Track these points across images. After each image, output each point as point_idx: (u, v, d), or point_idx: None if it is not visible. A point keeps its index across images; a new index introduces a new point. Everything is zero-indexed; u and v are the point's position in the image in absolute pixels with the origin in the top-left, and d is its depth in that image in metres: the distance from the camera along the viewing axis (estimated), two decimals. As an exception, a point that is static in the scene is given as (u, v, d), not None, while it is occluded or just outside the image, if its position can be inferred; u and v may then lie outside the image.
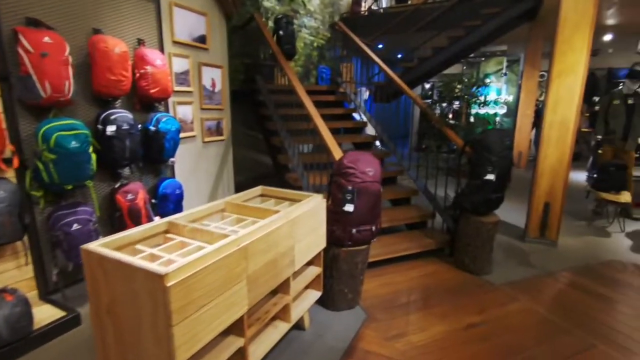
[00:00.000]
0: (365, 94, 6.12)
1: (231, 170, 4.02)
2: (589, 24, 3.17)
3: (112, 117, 2.43)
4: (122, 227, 2.48)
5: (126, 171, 2.71)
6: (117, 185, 2.62)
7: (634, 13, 6.56)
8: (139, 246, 1.49)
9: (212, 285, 1.32)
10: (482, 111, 6.93)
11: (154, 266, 1.18)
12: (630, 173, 4.50)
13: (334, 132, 5.14)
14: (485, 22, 5.99)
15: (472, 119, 7.02)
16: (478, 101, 6.21)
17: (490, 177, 2.72)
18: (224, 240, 1.41)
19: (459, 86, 6.58)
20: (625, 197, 4.08)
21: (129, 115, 2.53)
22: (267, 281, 1.66)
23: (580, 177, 6.75)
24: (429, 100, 6.37)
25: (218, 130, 3.71)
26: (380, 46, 9.69)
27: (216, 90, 3.62)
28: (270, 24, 5.32)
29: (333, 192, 2.33)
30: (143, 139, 2.74)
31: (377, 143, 4.53)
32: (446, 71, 7.14)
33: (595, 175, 4.42)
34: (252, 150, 5.19)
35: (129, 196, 2.57)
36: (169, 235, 1.63)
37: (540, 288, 2.86)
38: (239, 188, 4.06)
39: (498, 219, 2.97)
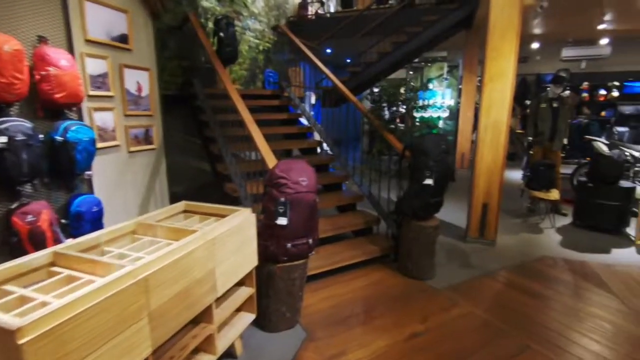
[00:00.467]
0: (312, 98, 6.04)
1: (165, 182, 3.70)
2: (515, 32, 3.30)
3: (2, 126, 2.07)
4: (22, 254, 2.12)
5: (28, 188, 2.34)
6: (13, 206, 2.25)
7: (555, 23, 7.13)
8: (8, 286, 1.22)
9: (98, 330, 1.09)
10: (427, 115, 7.14)
11: (2, 318, 0.93)
12: (558, 172, 4.81)
13: (278, 138, 5.05)
14: (426, 29, 6.17)
15: (417, 123, 7.22)
16: (417, 105, 6.40)
17: (429, 181, 2.71)
18: (116, 273, 1.19)
19: (402, 90, 6.74)
20: (554, 194, 4.34)
21: (26, 124, 2.18)
22: (180, 314, 1.45)
23: (516, 175, 7.19)
24: (377, 105, 6.44)
25: (147, 139, 3.39)
26: (328, 51, 9.73)
27: (143, 94, 3.31)
28: (211, 25, 5.05)
29: (266, 205, 2.17)
30: (48, 151, 2.39)
31: (326, 147, 4.43)
32: (393, 76, 7.30)
33: (528, 174, 4.66)
34: (193, 158, 4.86)
35: (29, 218, 2.20)
36: (54, 269, 1.37)
37: (480, 289, 2.90)
38: (177, 200, 3.75)
39: (438, 223, 2.97)
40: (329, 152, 4.21)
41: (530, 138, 4.95)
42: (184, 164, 4.72)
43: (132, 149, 3.21)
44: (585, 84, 8.85)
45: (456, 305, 2.65)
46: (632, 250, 3.70)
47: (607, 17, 6.42)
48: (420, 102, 7.04)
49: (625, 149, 5.26)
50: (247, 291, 2.04)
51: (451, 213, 4.81)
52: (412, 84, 7.71)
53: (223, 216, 1.95)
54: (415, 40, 6.25)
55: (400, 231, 3.08)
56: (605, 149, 5.39)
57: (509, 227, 4.36)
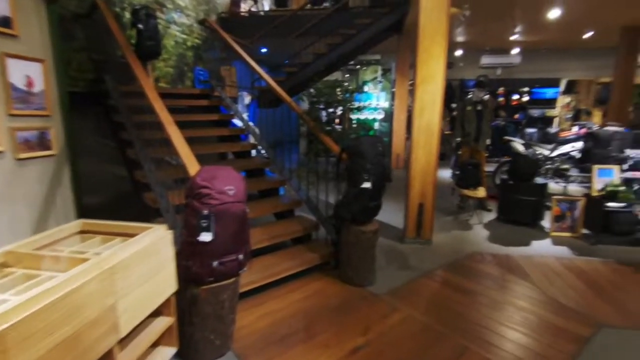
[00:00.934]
0: (247, 99, 5.74)
1: (69, 193, 3.16)
2: (444, 35, 3.40)
3: None
4: None
5: None
6: None
7: (475, 32, 7.70)
8: None
9: None
10: (363, 116, 7.24)
11: None
12: (483, 170, 5.13)
13: (212, 140, 4.69)
14: (360, 32, 6.24)
15: (354, 124, 7.28)
16: (352, 106, 6.47)
17: (367, 185, 2.63)
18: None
19: (338, 92, 6.74)
20: (481, 192, 4.60)
21: None
22: (62, 369, 1.13)
23: (446, 174, 7.62)
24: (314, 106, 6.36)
25: (43, 143, 2.85)
26: (264, 50, 9.45)
27: (35, 90, 2.77)
28: (128, 15, 4.52)
29: (187, 218, 1.88)
30: None
31: (261, 150, 4.19)
32: (329, 77, 7.28)
33: (457, 173, 4.89)
34: (109, 165, 4.28)
35: None
36: None
37: (418, 292, 2.89)
38: (89, 214, 3.22)
39: (377, 226, 2.91)
40: (264, 154, 3.98)
41: (459, 139, 5.22)
42: (99, 171, 4.14)
43: (22, 155, 2.67)
44: (501, 89, 9.75)
45: (396, 310, 2.60)
46: (547, 241, 4.03)
47: (518, 29, 7.07)
48: (357, 104, 7.10)
49: (537, 148, 5.81)
50: (164, 322, 1.74)
51: (389, 214, 4.87)
52: (348, 85, 7.77)
53: (132, 235, 1.64)
54: (349, 42, 6.29)
55: (340, 237, 2.97)
56: (521, 148, 5.89)
57: (443, 225, 4.52)
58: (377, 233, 2.90)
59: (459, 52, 9.22)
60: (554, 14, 5.55)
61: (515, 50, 9.25)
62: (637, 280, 3.14)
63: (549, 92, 9.61)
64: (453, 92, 9.90)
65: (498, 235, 4.20)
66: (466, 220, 4.76)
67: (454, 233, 4.27)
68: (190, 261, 1.86)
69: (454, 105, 9.77)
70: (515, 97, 9.71)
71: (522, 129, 9.64)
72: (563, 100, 9.93)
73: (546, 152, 5.65)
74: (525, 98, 9.66)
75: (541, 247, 3.86)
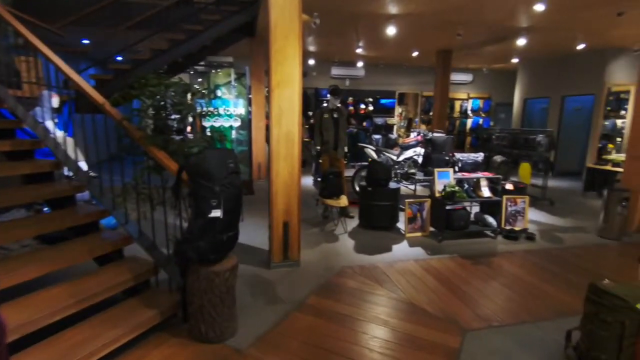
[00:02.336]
0: (55, 100, 4.28)
1: None
2: (297, 35, 3.08)
3: None
4: None
5: None
6: None
7: (325, 43, 7.96)
8: None
9: None
10: (218, 124, 6.51)
11: None
12: (344, 178, 5.15)
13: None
14: (207, 29, 5.53)
15: (208, 133, 6.48)
16: (207, 113, 5.78)
17: (216, 213, 2.02)
18: None
19: (189, 96, 5.88)
20: (344, 200, 4.54)
21: None
22: None
23: (307, 181, 7.59)
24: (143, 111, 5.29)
25: None
26: (86, 41, 7.61)
27: None
28: None
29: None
30: None
31: (66, 171, 3.03)
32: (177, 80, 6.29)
33: (319, 180, 4.73)
34: None
35: None
36: None
37: (290, 333, 2.44)
38: None
39: (235, 262, 2.33)
40: (72, 176, 2.87)
41: (318, 147, 5.10)
42: None
43: None
44: (350, 99, 10.50)
45: (266, 366, 2.08)
46: (405, 244, 4.21)
47: (361, 44, 7.60)
48: (209, 110, 6.35)
49: (386, 154, 6.25)
50: None
51: (252, 233, 4.34)
52: (200, 89, 6.91)
53: None
54: (195, 39, 5.51)
55: (187, 281, 2.26)
56: (374, 155, 6.24)
57: (310, 238, 4.25)
58: (235, 270, 2.31)
59: (311, 62, 9.45)
60: (390, 31, 6.07)
61: (360, 64, 10.08)
62: (476, 272, 3.47)
63: (388, 103, 10.85)
64: (308, 100, 10.10)
65: (363, 244, 4.17)
66: (332, 231, 4.63)
67: (322, 247, 4.04)
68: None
69: (310, 113, 9.99)
70: (362, 106, 10.60)
71: (370, 135, 10.58)
72: (398, 110, 11.41)
73: (394, 157, 6.13)
74: (371, 107, 10.65)
75: (401, 251, 3.98)
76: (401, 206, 4.79)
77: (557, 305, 2.86)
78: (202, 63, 7.20)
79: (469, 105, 11.53)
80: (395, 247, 4.10)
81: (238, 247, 3.77)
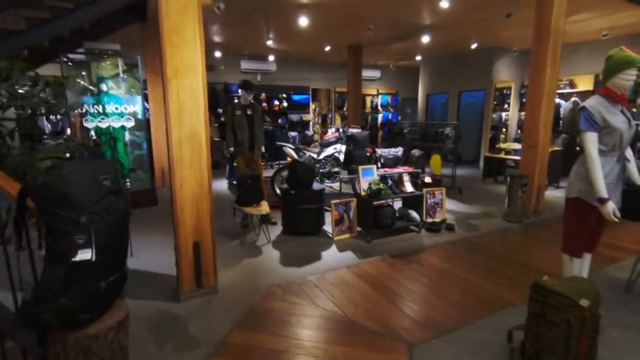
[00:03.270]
0: None
1: None
2: (196, 10, 2.49)
3: None
4: None
5: None
6: None
7: (232, 33, 7.28)
8: None
9: None
10: (105, 124, 5.40)
11: None
12: (263, 182, 4.66)
13: None
14: (80, 7, 4.45)
15: (93, 136, 5.34)
16: (89, 112, 4.75)
17: (85, 255, 1.39)
18: None
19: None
20: (265, 207, 4.06)
21: None
22: None
23: (221, 185, 6.88)
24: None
25: None
26: None
27: None
28: None
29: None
30: None
31: None
32: (44, 72, 4.97)
33: (234, 183, 4.15)
34: None
35: None
36: None
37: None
38: None
39: (125, 313, 1.70)
40: None
41: (232, 149, 4.52)
42: None
43: None
44: (263, 95, 9.93)
45: None
46: (334, 249, 3.93)
47: (271, 36, 7.13)
48: (92, 108, 5.24)
49: (306, 152, 5.93)
50: None
51: (156, 256, 3.60)
52: (79, 82, 5.69)
53: None
54: (64, 20, 4.39)
55: (49, 353, 1.56)
56: (294, 154, 5.86)
57: (229, 254, 3.69)
58: (125, 324, 1.68)
59: (218, 54, 8.64)
60: (301, 22, 5.73)
61: (271, 58, 9.58)
62: (409, 272, 3.35)
63: (301, 99, 10.59)
64: (218, 97, 9.26)
65: (290, 254, 3.77)
66: (253, 242, 4.12)
67: (244, 264, 3.51)
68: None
69: (220, 110, 9.16)
70: (276, 102, 10.14)
71: (285, 132, 10.19)
72: (312, 106, 11.25)
73: (314, 155, 5.84)
74: (285, 104, 10.25)
75: (331, 258, 3.68)
76: (327, 207, 4.50)
77: (488, 298, 2.85)
78: (79, 50, 5.90)
79: (379, 100, 11.94)
80: (324, 254, 3.78)
81: (137, 277, 3.06)
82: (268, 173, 6.00)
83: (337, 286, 3.06)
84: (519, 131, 9.47)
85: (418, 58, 9.72)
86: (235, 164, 4.57)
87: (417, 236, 4.34)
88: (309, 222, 4.28)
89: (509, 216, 4.91)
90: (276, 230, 4.50)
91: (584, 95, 7.62)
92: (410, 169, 4.62)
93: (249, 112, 4.47)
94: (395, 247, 3.95)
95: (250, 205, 3.99)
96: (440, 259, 3.64)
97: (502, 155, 7.24)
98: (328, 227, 4.43)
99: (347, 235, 4.25)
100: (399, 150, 4.75)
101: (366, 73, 10.58)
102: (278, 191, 5.36)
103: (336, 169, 4.71)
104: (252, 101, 4.59)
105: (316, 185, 4.42)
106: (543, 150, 4.90)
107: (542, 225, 4.76)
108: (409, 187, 4.44)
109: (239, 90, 4.56)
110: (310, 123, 11.00)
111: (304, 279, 3.17)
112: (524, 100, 9.26)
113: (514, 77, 9.30)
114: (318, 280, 3.17)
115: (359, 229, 4.35)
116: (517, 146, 7.46)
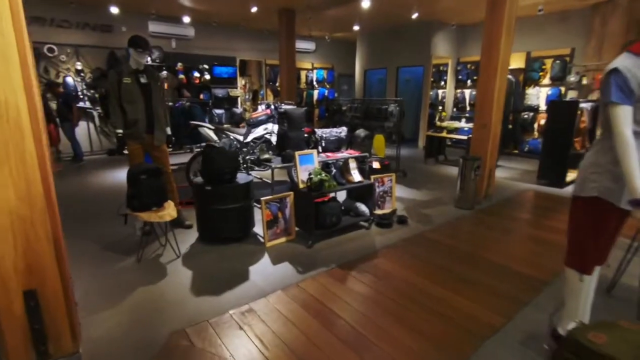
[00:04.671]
0: None
1: None
2: None
3: None
4: None
5: None
6: None
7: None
8: None
9: None
10: None
11: None
12: (170, 175, 3.55)
13: None
14: None
15: None
16: None
17: None
18: None
19: None
20: (171, 211, 2.98)
21: None
22: None
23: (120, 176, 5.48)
24: None
25: None
26: None
27: None
28: None
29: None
30: None
31: None
32: None
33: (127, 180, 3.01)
34: None
35: None
36: None
37: None
38: None
39: None
40: None
41: (120, 131, 3.29)
42: None
43: None
44: (179, 65, 8.38)
45: None
46: (267, 259, 3.05)
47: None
48: None
49: (230, 134, 4.85)
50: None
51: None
52: None
53: None
54: None
55: None
56: (213, 136, 4.75)
57: (115, 283, 2.60)
58: None
59: (115, 10, 6.89)
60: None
61: (187, 19, 8.03)
62: (363, 291, 2.63)
63: (228, 71, 9.23)
64: (119, 64, 7.53)
65: (206, 274, 2.80)
66: (157, 258, 3.06)
67: (137, 298, 2.46)
68: None
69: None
70: (197, 74, 8.65)
71: (209, 110, 8.83)
72: (241, 81, 9.94)
73: (240, 138, 4.79)
74: (207, 76, 8.81)
75: (263, 275, 2.79)
76: (256, 204, 3.58)
77: (467, 323, 2.24)
78: None
79: (314, 75, 11.04)
80: (253, 270, 2.88)
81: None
82: (183, 159, 4.83)
83: (270, 323, 2.20)
84: (454, 109, 9.34)
85: (356, 28, 8.94)
86: (126, 152, 3.37)
87: (367, 234, 3.64)
88: (232, 226, 3.32)
89: (461, 202, 4.47)
90: (190, 238, 3.47)
91: (516, 73, 7.54)
92: (357, 153, 3.87)
93: (142, 80, 3.26)
94: (343, 252, 3.21)
95: (148, 209, 2.90)
96: (399, 266, 2.98)
97: (445, 134, 6.90)
98: (259, 229, 3.52)
99: (283, 239, 3.39)
100: (342, 131, 3.94)
101: (300, 44, 9.54)
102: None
103: (267, 155, 3.76)
104: (147, 64, 3.38)
105: (242, 177, 3.44)
106: (495, 130, 4.49)
107: (494, 210, 4.40)
108: (356, 176, 3.69)
109: (130, 50, 3.30)
110: (239, 100, 9.73)
111: (222, 317, 2.25)
112: (459, 77, 9.10)
113: (451, 53, 9.03)
114: (244, 315, 2.28)
115: (297, 229, 3.51)
116: (460, 124, 7.18)
